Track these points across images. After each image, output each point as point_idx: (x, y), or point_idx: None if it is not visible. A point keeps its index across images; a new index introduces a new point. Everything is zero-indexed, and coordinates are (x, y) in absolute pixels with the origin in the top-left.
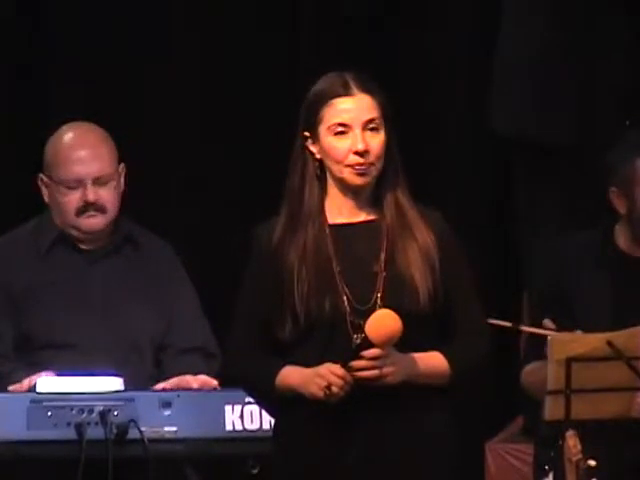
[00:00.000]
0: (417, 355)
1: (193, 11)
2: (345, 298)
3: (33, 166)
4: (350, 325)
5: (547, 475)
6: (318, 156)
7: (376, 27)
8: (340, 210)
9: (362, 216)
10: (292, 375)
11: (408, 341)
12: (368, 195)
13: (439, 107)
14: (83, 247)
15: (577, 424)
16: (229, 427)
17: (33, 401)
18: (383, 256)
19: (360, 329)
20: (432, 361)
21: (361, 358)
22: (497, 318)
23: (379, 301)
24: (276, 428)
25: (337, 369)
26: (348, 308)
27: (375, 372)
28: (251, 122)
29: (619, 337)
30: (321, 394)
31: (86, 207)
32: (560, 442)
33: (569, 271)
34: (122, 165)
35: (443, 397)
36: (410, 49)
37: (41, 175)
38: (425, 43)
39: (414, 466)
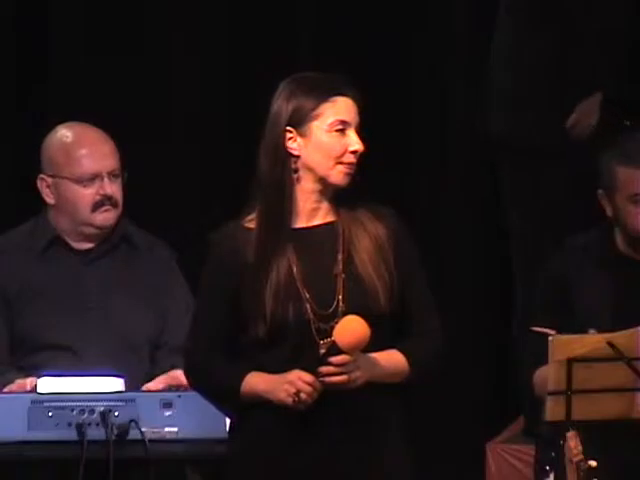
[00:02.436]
0: (379, 355)
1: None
2: (308, 305)
3: (30, 167)
4: (315, 331)
5: (548, 476)
6: (297, 153)
7: (375, 28)
8: (298, 214)
9: (319, 219)
10: (259, 381)
11: (369, 341)
12: (330, 198)
13: (432, 108)
14: (79, 248)
15: (578, 425)
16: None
17: (34, 401)
18: (341, 257)
19: (325, 334)
20: (392, 360)
21: (329, 364)
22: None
23: (340, 303)
24: (233, 431)
25: (306, 376)
26: (312, 314)
27: (344, 378)
28: (250, 122)
29: (620, 337)
30: (289, 400)
31: (103, 201)
32: (561, 443)
33: (570, 271)
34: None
35: (401, 398)
36: (405, 50)
37: (42, 176)
38: (421, 44)
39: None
